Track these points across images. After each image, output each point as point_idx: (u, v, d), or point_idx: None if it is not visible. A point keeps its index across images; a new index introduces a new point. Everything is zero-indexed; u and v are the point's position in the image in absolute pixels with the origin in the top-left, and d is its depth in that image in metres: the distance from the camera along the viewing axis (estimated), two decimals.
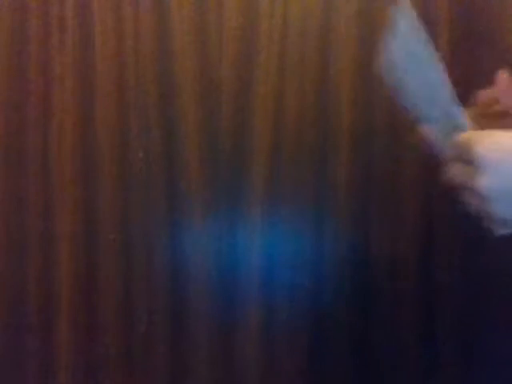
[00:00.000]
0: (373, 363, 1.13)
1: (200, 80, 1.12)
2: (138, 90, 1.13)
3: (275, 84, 1.12)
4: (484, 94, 0.88)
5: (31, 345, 1.13)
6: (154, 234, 1.13)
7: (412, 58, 0.83)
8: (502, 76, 0.86)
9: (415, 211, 1.12)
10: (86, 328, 1.14)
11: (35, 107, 1.13)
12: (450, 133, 0.81)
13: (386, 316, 1.13)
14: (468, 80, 1.12)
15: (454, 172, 0.78)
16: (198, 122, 1.13)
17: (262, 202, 1.13)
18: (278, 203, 1.13)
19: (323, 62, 1.12)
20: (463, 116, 0.83)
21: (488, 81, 1.13)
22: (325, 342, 1.13)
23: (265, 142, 1.12)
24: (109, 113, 1.13)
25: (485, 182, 0.71)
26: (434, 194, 1.12)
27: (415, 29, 0.82)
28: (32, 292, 1.13)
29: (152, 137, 1.13)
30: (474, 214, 0.76)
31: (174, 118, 1.13)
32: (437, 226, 1.13)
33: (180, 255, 1.13)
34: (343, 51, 1.12)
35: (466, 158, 0.74)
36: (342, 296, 1.13)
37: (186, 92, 1.12)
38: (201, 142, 1.13)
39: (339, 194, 1.12)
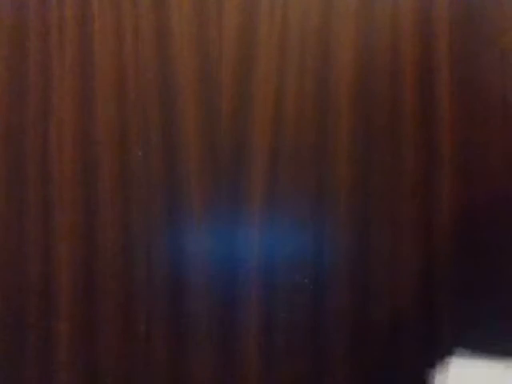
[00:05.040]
0: (373, 363, 1.13)
1: (200, 80, 1.12)
2: (138, 89, 1.13)
3: (275, 84, 1.12)
4: None
5: (31, 345, 1.13)
6: (153, 233, 1.13)
7: None
8: None
9: (415, 211, 1.13)
10: (86, 328, 1.14)
11: (35, 107, 1.13)
12: None
13: (386, 315, 1.13)
14: (468, 80, 1.13)
15: None
16: (198, 121, 1.13)
17: (262, 201, 1.13)
18: (278, 203, 1.13)
19: (323, 62, 1.12)
20: None
21: (488, 81, 1.14)
22: (325, 341, 1.13)
23: (265, 142, 1.13)
24: (109, 113, 1.13)
25: None
26: (434, 193, 1.13)
27: None
28: (32, 292, 1.13)
29: (152, 136, 1.13)
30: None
31: (174, 117, 1.13)
32: (437, 226, 1.13)
33: (180, 255, 1.13)
34: (343, 51, 1.12)
35: None
36: (341, 295, 1.13)
37: (186, 92, 1.12)
38: (201, 142, 1.13)
39: (339, 194, 1.12)
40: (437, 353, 1.11)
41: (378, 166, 1.13)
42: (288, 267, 1.12)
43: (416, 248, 1.13)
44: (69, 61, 1.13)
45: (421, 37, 1.12)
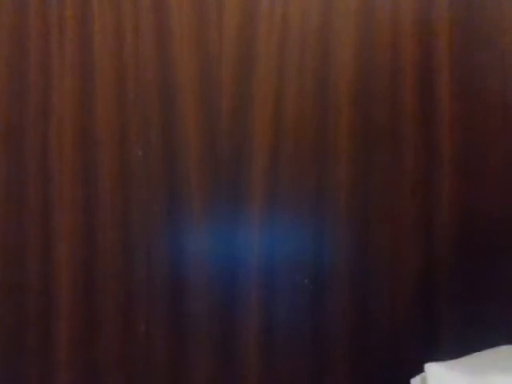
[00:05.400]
0: (373, 363, 1.13)
1: (200, 80, 1.12)
2: (138, 89, 1.13)
3: (275, 84, 1.12)
4: None
5: (31, 345, 1.13)
6: (153, 233, 1.13)
7: None
8: None
9: (415, 211, 1.13)
10: (86, 328, 1.13)
11: (35, 107, 1.13)
12: None
13: (386, 315, 1.13)
14: (468, 80, 1.13)
15: None
16: (198, 121, 1.13)
17: (262, 201, 1.13)
18: (278, 203, 1.13)
19: (323, 62, 1.12)
20: None
21: (488, 81, 1.14)
22: (325, 341, 1.13)
23: (265, 142, 1.12)
24: (109, 113, 1.13)
25: None
26: (434, 193, 1.13)
27: None
28: (32, 292, 1.13)
29: (152, 137, 1.13)
30: None
31: (174, 117, 1.13)
32: (437, 226, 1.13)
33: (180, 255, 1.13)
34: (343, 50, 1.12)
35: None
36: (341, 295, 1.13)
37: (186, 92, 1.12)
38: (201, 142, 1.13)
39: (339, 194, 1.12)
40: (437, 353, 1.11)
41: (377, 165, 1.13)
42: (288, 267, 1.12)
43: (416, 248, 1.13)
44: (69, 61, 1.13)
45: (421, 37, 1.12)
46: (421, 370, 1.05)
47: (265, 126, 1.12)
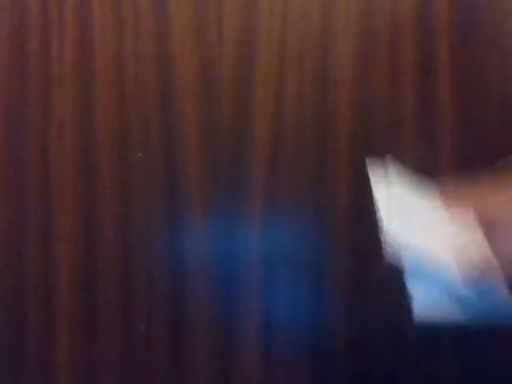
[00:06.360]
0: (373, 363, 1.13)
1: (200, 80, 1.13)
2: (137, 90, 1.13)
3: (275, 84, 1.12)
4: None
5: (31, 345, 1.13)
6: (153, 233, 1.13)
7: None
8: None
9: None
10: (86, 328, 1.14)
11: (35, 107, 1.13)
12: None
13: (386, 315, 1.13)
14: (468, 80, 1.13)
15: None
16: (198, 122, 1.13)
17: (262, 201, 1.13)
18: (278, 203, 1.13)
19: (323, 62, 1.12)
20: None
21: (488, 81, 1.14)
22: (325, 342, 1.13)
23: (265, 142, 1.13)
24: (109, 113, 1.13)
25: None
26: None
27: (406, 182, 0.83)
28: (32, 292, 1.13)
29: (152, 137, 1.13)
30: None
31: (174, 118, 1.13)
32: None
33: (180, 255, 1.13)
34: (343, 51, 1.12)
35: None
36: (341, 295, 1.13)
37: (186, 92, 1.12)
38: (201, 142, 1.13)
39: (339, 194, 1.12)
40: (437, 352, 1.11)
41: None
42: (288, 267, 1.12)
43: None
44: (69, 61, 1.13)
45: (421, 37, 1.12)
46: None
47: (265, 127, 1.12)
